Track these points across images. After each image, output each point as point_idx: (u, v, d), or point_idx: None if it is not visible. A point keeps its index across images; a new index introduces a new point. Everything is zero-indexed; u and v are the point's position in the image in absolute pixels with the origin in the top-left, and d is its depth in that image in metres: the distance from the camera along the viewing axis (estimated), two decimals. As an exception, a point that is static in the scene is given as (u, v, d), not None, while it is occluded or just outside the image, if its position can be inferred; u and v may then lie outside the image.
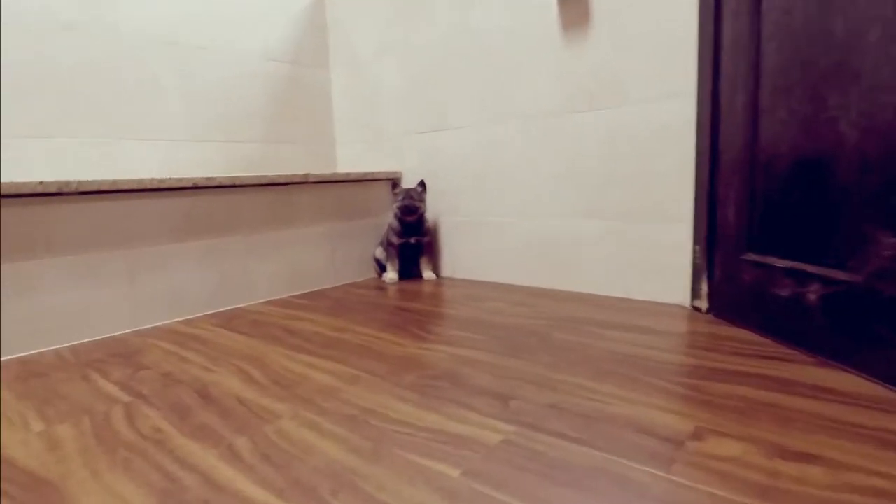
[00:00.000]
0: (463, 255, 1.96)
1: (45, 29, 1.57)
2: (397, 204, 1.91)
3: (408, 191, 1.92)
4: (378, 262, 2.04)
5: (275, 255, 1.76)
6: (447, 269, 2.02)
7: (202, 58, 1.92)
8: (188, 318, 1.54)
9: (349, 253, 2.00)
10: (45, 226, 1.29)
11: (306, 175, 1.81)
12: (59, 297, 1.32)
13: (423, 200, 1.95)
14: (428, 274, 1.99)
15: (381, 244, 2.03)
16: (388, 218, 2.06)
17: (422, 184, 1.97)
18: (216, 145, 1.97)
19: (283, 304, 1.67)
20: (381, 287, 1.87)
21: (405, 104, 2.08)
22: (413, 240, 1.95)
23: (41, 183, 1.26)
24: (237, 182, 1.62)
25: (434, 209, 2.04)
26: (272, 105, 2.15)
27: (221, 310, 1.62)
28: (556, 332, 1.23)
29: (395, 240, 1.95)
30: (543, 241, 1.73)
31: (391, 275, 1.97)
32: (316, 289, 1.88)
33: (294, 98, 2.22)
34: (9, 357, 1.24)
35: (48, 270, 1.30)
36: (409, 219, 1.90)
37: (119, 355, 1.22)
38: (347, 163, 2.34)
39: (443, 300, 1.62)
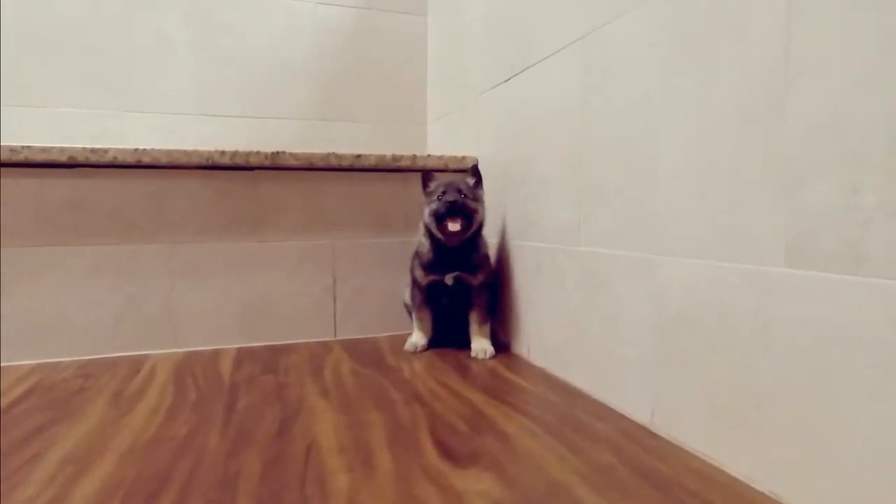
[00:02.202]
0: (551, 320, 0.93)
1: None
2: (429, 207, 1.01)
3: (449, 183, 1.00)
4: (408, 310, 1.17)
5: (222, 281, 1.10)
6: (522, 343, 1.01)
7: (223, 9, 1.43)
8: (63, 360, 1.02)
9: (367, 289, 1.19)
10: None
11: (274, 155, 1.09)
12: None
13: (478, 200, 1.01)
14: (480, 344, 1.02)
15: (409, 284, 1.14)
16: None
17: (474, 172, 1.03)
18: (236, 121, 1.45)
19: (197, 360, 1.00)
20: (383, 359, 1.01)
21: (485, 45, 1.16)
22: (450, 278, 1.01)
23: None
24: (145, 160, 1.02)
25: (501, 225, 1.06)
26: (326, 68, 1.51)
27: (110, 356, 1.04)
28: None
29: (420, 276, 1.05)
30: (717, 318, 0.60)
31: (415, 338, 1.07)
32: (290, 341, 1.14)
33: (363, 57, 1.54)
34: None
35: None
36: (452, 230, 0.96)
37: None
38: (439, 147, 1.53)
39: (394, 427, 0.68)
